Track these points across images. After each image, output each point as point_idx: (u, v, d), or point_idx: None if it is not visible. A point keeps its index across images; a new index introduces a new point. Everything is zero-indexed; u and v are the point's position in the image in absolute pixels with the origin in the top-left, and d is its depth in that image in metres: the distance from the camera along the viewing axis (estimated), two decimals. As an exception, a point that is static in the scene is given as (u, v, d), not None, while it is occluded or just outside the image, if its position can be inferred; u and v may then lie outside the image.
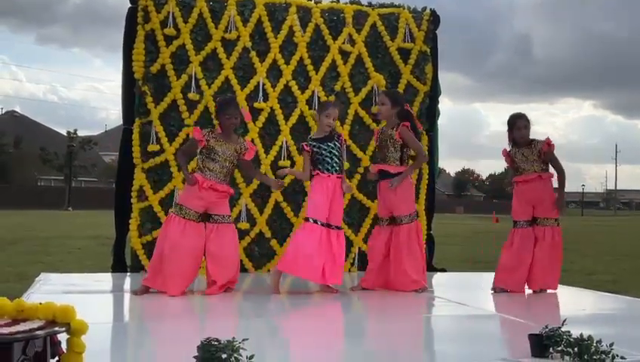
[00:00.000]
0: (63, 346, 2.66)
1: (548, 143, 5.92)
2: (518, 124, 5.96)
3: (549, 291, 5.95)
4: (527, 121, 5.98)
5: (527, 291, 5.97)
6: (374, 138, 6.13)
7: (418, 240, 5.93)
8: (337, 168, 5.69)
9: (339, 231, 5.70)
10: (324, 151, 5.66)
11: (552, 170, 6.01)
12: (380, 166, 5.93)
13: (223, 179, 5.57)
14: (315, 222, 5.56)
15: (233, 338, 2.71)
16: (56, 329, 2.56)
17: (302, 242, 5.54)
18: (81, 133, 59.26)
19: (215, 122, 5.87)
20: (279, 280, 5.67)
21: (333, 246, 5.59)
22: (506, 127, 6.07)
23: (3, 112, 71.73)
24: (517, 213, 6.00)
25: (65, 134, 58.97)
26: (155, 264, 5.42)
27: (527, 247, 5.91)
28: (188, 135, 6.92)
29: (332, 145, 5.68)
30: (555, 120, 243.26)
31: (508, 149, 6.06)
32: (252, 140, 6.96)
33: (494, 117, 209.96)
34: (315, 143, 5.70)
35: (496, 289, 5.93)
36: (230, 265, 5.60)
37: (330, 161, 5.66)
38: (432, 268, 7.36)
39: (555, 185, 6.06)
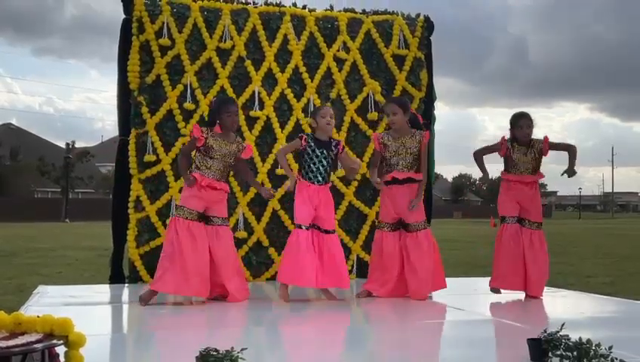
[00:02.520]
0: (62, 359, 2.66)
1: (546, 141, 5.96)
2: (520, 123, 5.96)
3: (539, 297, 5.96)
4: (531, 120, 5.98)
5: (519, 294, 5.98)
6: (375, 143, 6.06)
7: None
8: (321, 179, 5.65)
9: (331, 234, 5.66)
10: (315, 158, 5.64)
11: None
12: (396, 174, 5.87)
13: (220, 177, 5.58)
14: (300, 227, 5.57)
15: (232, 348, 2.71)
16: (54, 342, 2.56)
17: (292, 250, 5.55)
18: (77, 145, 59.27)
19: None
20: (286, 290, 5.65)
21: (326, 249, 5.58)
22: (503, 131, 6.11)
23: (-1, 125, 71.70)
24: (507, 208, 5.99)
25: (62, 146, 58.95)
26: (165, 267, 5.32)
27: (518, 243, 5.93)
28: (184, 144, 6.92)
29: (325, 154, 5.66)
30: (552, 123, 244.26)
31: (507, 139, 6.02)
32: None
33: (490, 121, 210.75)
34: (312, 143, 5.67)
35: (494, 290, 5.95)
36: (238, 271, 5.69)
37: (315, 170, 5.64)
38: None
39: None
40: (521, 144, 5.98)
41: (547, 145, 5.97)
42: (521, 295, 5.98)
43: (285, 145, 6.24)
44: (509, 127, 6.05)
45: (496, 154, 6.12)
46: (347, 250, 7.01)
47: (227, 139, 5.60)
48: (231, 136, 5.65)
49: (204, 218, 5.55)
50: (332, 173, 5.93)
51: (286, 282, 5.62)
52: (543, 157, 6.04)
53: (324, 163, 5.66)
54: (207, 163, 5.53)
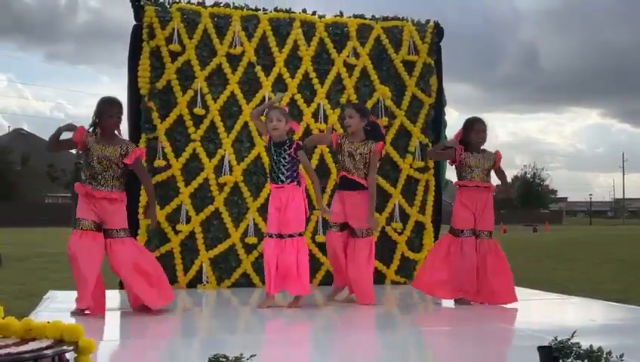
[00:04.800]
0: (71, 365, 2.66)
1: (499, 156, 6.01)
2: (476, 127, 5.96)
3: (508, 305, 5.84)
4: (486, 125, 6.00)
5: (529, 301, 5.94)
6: (333, 142, 6.04)
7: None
8: (282, 178, 5.58)
9: (290, 239, 5.56)
10: (274, 157, 5.63)
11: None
12: (346, 174, 5.92)
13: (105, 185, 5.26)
14: (269, 236, 5.59)
15: (241, 354, 2.70)
16: (65, 348, 2.56)
17: (265, 259, 5.60)
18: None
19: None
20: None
21: (283, 255, 5.51)
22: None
23: (10, 130, 72.10)
24: (463, 220, 5.89)
25: (72, 151, 59.14)
26: None
27: (473, 257, 5.84)
28: (194, 149, 6.95)
29: (279, 152, 5.60)
30: (562, 129, 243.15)
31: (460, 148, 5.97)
32: (258, 154, 7.01)
33: (500, 127, 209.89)
34: (272, 146, 5.66)
35: (458, 301, 5.89)
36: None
37: (276, 169, 5.61)
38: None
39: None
40: (474, 150, 5.97)
41: (499, 160, 6.02)
42: (533, 302, 5.95)
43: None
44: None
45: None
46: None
47: (111, 143, 5.26)
48: (116, 139, 5.31)
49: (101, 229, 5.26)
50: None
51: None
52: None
53: (283, 162, 5.59)
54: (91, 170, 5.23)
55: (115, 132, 5.33)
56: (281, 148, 5.59)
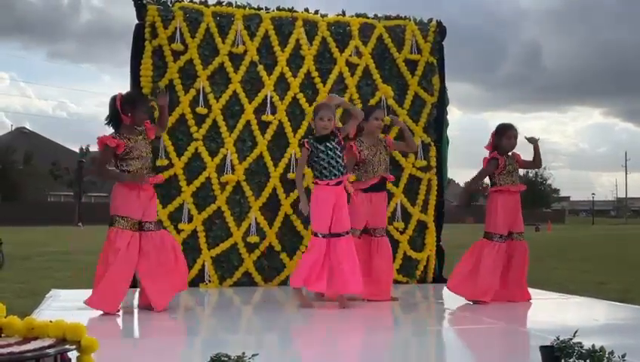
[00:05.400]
0: (74, 364, 2.66)
1: (518, 155, 6.08)
2: (508, 134, 6.01)
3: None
4: (517, 131, 6.05)
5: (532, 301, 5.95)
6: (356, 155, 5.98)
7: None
8: (336, 172, 5.54)
9: (344, 237, 5.55)
10: (320, 154, 5.54)
11: None
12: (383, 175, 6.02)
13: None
14: (316, 235, 5.55)
15: (243, 353, 2.70)
16: (67, 347, 2.56)
17: (307, 257, 5.57)
18: (91, 149, 59.53)
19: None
20: (303, 295, 5.63)
21: (338, 254, 5.49)
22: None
23: (12, 129, 72.24)
24: (500, 225, 5.93)
25: (75, 150, 59.21)
26: None
27: (500, 264, 5.91)
28: (196, 148, 6.95)
29: (330, 146, 5.55)
30: (565, 128, 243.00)
31: (497, 156, 5.99)
32: (260, 153, 7.03)
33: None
34: (313, 142, 5.61)
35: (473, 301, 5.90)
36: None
37: (326, 165, 5.53)
38: (442, 280, 7.33)
39: None
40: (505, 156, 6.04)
41: (520, 158, 6.09)
42: (535, 302, 5.96)
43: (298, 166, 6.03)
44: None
45: None
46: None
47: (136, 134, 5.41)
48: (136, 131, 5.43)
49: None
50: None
51: (296, 286, 5.61)
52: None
53: (332, 153, 5.55)
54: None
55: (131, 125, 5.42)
56: (328, 140, 5.55)
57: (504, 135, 6.00)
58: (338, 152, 5.56)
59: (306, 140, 5.67)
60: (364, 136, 6.00)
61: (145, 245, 5.27)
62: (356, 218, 5.79)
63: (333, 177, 5.53)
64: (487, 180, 6.22)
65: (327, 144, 5.54)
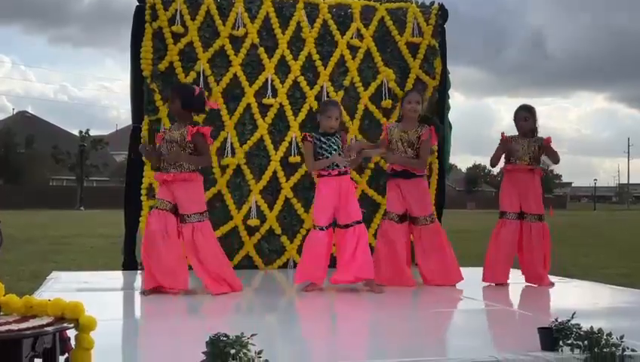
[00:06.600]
0: (73, 342, 2.67)
1: (547, 140, 5.99)
2: (518, 115, 6.08)
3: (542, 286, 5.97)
4: (529, 112, 6.05)
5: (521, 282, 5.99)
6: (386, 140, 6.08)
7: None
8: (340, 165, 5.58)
9: (353, 227, 5.54)
10: (323, 145, 5.56)
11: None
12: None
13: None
14: (315, 228, 5.56)
15: (242, 333, 2.71)
16: (65, 325, 2.57)
17: (307, 251, 5.60)
18: (92, 133, 59.52)
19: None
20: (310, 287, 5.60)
21: (347, 243, 5.49)
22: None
23: (14, 112, 72.15)
24: (505, 203, 6.02)
25: (76, 134, 59.17)
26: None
27: (514, 241, 5.95)
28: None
29: (333, 140, 5.58)
30: (569, 114, 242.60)
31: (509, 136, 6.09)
32: (261, 136, 7.01)
33: (506, 111, 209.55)
34: (317, 136, 5.62)
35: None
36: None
37: (329, 156, 5.54)
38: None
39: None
40: (522, 136, 6.04)
41: (547, 143, 6.01)
42: (533, 284, 5.97)
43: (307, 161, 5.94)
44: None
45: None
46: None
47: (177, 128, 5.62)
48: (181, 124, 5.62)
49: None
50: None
51: (300, 281, 5.63)
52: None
53: (336, 148, 5.58)
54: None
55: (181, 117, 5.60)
56: (333, 137, 5.59)
57: (515, 117, 6.07)
58: (340, 150, 5.61)
59: (308, 134, 5.70)
60: (402, 120, 6.05)
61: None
62: (390, 203, 5.99)
63: (335, 167, 5.55)
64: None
65: (331, 138, 5.59)
